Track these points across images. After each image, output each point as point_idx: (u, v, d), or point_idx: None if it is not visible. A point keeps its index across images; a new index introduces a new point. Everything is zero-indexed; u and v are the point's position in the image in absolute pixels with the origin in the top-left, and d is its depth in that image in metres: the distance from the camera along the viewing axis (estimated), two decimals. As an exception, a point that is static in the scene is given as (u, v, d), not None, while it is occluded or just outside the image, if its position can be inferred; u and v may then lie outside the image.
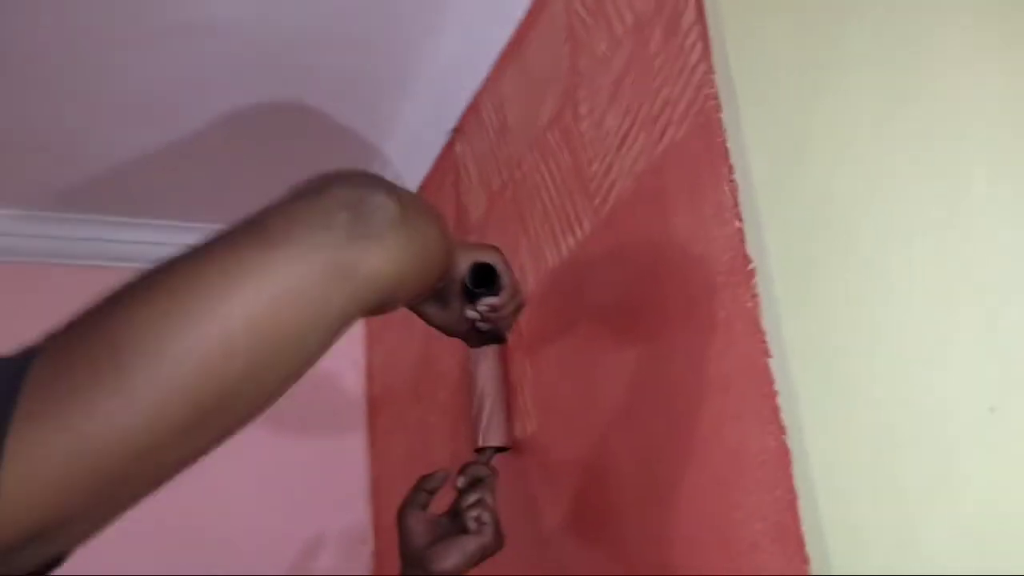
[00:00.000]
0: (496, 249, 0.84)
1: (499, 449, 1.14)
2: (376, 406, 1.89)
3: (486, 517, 0.91)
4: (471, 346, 1.04)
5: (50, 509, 0.40)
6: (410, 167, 1.61)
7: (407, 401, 1.67)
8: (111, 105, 1.39)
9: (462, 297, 0.82)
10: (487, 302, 0.81)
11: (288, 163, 1.59)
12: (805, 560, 0.65)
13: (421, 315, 0.82)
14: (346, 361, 1.90)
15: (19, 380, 0.40)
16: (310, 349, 0.48)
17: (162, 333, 0.42)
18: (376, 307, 0.53)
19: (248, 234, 0.47)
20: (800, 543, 0.65)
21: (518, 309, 0.87)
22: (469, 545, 0.89)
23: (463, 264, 0.79)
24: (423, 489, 0.97)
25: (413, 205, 0.54)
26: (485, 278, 0.81)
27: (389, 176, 1.58)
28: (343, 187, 0.51)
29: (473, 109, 1.39)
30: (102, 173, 1.59)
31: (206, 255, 0.46)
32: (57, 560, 0.43)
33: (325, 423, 1.84)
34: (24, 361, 0.42)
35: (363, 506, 1.84)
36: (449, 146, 1.49)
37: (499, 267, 0.82)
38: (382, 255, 0.50)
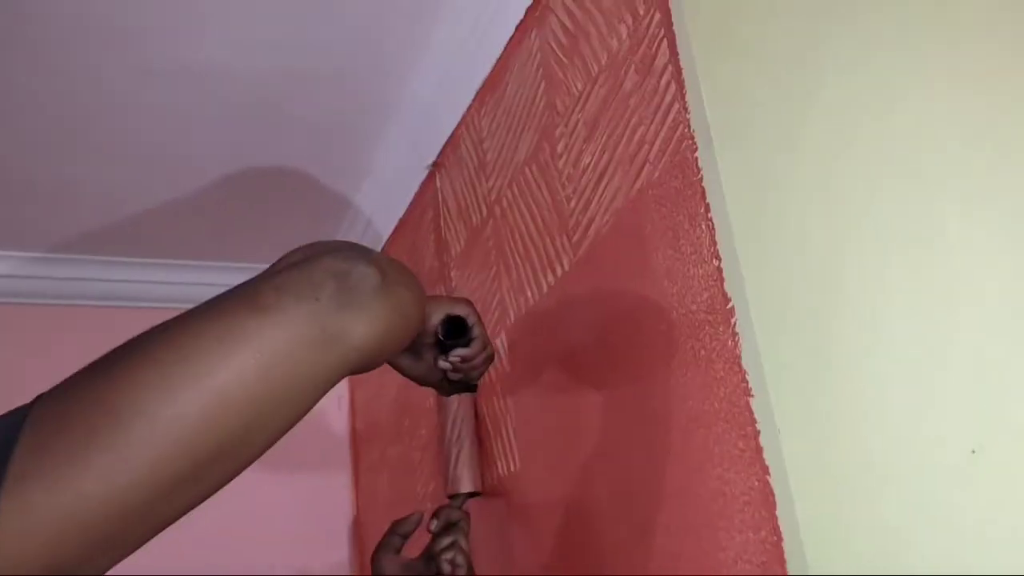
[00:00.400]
0: (467, 302, 0.87)
1: (471, 494, 1.15)
2: (360, 443, 1.87)
3: (460, 560, 0.94)
4: (443, 395, 1.09)
5: (43, 564, 0.41)
6: (390, 202, 1.61)
7: (390, 438, 1.66)
8: (104, 150, 1.41)
9: (434, 348, 0.86)
10: (458, 353, 0.86)
11: (273, 199, 1.62)
12: (791, 602, 0.64)
13: (395, 366, 0.86)
14: (331, 399, 1.88)
15: (13, 440, 0.42)
16: (298, 408, 0.51)
17: (160, 394, 0.45)
18: (360, 368, 0.56)
19: (241, 303, 0.50)
20: (786, 585, 0.65)
21: (488, 359, 0.92)
22: None
23: (435, 317, 0.83)
24: (397, 533, 1.00)
25: (392, 272, 0.58)
26: (457, 330, 0.84)
27: (368, 211, 1.58)
28: (329, 259, 0.55)
29: (452, 144, 1.39)
30: (97, 215, 1.60)
31: (202, 321, 0.49)
32: None
33: (310, 460, 1.82)
34: (17, 420, 0.43)
35: (347, 543, 1.82)
36: (429, 181, 1.49)
37: (470, 319, 0.85)
38: (366, 322, 0.54)
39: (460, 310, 0.85)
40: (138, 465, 0.43)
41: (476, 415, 1.21)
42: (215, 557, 1.67)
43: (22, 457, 0.41)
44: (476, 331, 0.86)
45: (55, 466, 0.41)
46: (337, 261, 0.55)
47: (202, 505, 0.49)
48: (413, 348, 0.83)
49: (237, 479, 0.50)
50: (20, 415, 0.44)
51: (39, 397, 0.45)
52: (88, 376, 0.46)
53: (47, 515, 0.41)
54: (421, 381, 0.91)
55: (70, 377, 0.46)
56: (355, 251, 0.57)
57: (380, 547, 0.99)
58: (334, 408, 1.89)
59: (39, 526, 0.40)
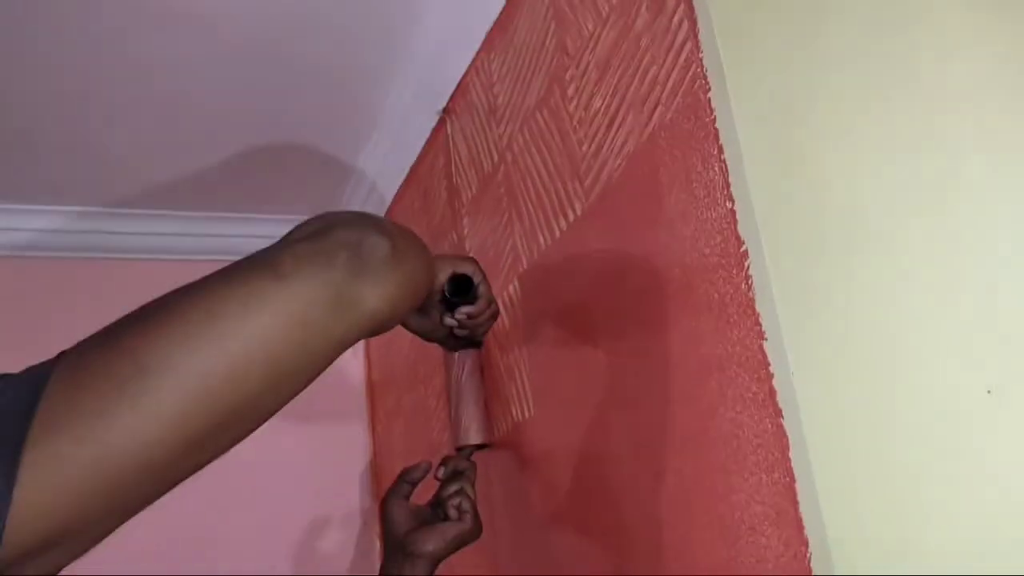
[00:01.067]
0: (473, 260, 0.89)
1: (479, 446, 1.16)
2: (376, 391, 1.89)
3: (466, 506, 0.97)
4: (449, 350, 1.12)
5: (65, 516, 0.42)
6: (401, 149, 1.60)
7: (405, 386, 1.67)
8: (113, 104, 1.40)
9: (440, 306, 0.89)
10: (464, 311, 0.89)
11: (283, 149, 1.61)
12: (804, 542, 0.65)
13: (402, 323, 0.87)
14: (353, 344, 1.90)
15: (38, 392, 0.43)
16: (315, 368, 0.55)
17: (188, 353, 0.47)
18: (373, 332, 0.59)
19: (263, 269, 0.53)
20: (799, 526, 0.65)
21: (493, 316, 0.95)
22: (449, 531, 0.94)
23: (441, 275, 0.86)
24: (406, 480, 1.03)
25: (402, 241, 0.61)
26: (462, 288, 0.87)
27: (379, 158, 1.57)
28: (342, 230, 0.58)
29: (462, 89, 1.37)
30: (106, 169, 1.60)
31: (225, 285, 0.51)
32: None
33: (326, 409, 1.84)
34: (42, 374, 0.44)
35: (365, 489, 1.85)
36: (439, 127, 1.48)
37: (475, 277, 0.87)
38: (378, 289, 0.57)
39: (466, 268, 0.88)
40: (165, 420, 0.45)
41: (483, 368, 1.22)
42: (233, 505, 1.70)
43: (49, 409, 0.42)
44: (481, 289, 0.90)
45: (83, 419, 0.42)
46: (350, 232, 0.58)
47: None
48: (420, 306, 0.86)
49: (258, 430, 0.52)
50: (46, 369, 0.45)
51: (64, 352, 0.46)
52: (115, 333, 0.47)
53: (74, 466, 0.42)
54: (427, 337, 0.96)
55: (96, 333, 0.48)
56: (367, 221, 0.60)
57: (389, 493, 1.01)
58: (350, 357, 1.91)
59: (65, 477, 0.41)
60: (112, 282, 1.66)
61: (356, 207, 1.82)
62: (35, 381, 0.43)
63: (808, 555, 0.64)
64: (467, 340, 1.01)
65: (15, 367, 0.45)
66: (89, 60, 1.28)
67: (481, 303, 0.90)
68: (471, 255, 0.91)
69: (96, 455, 0.42)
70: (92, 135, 1.48)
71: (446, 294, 0.88)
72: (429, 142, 1.53)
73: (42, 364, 0.45)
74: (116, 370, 0.44)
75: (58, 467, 0.41)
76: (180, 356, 0.46)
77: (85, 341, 0.47)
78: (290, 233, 0.59)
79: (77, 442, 0.42)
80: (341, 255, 0.56)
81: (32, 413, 0.42)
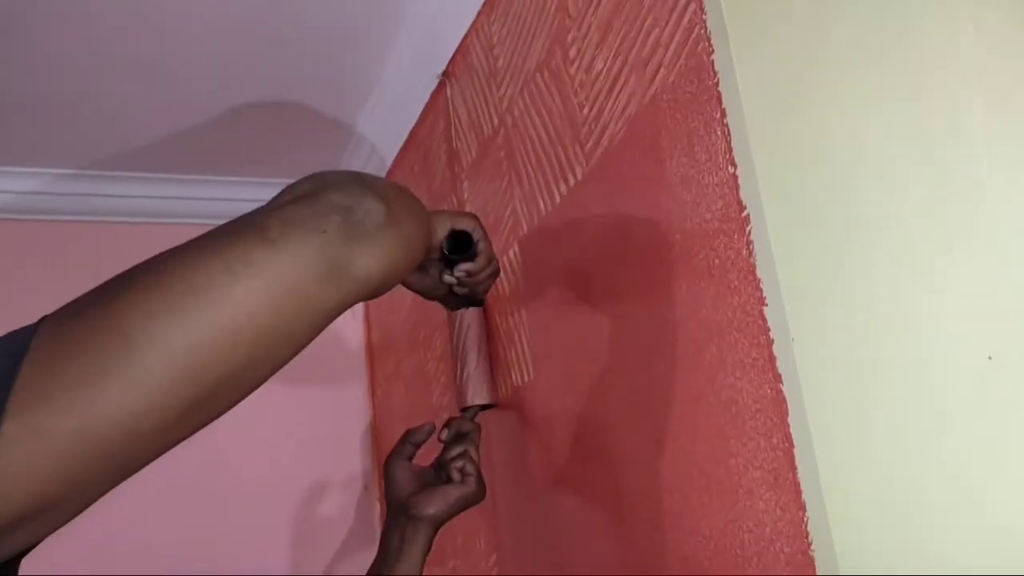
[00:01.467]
0: (473, 216, 0.86)
1: (484, 407, 1.15)
2: (376, 354, 1.89)
3: (469, 468, 0.96)
4: (450, 309, 1.10)
5: (48, 487, 0.40)
6: (401, 113, 1.58)
7: (405, 349, 1.67)
8: (109, 66, 1.39)
9: (439, 263, 0.85)
10: (464, 268, 0.86)
11: (282, 113, 1.60)
12: (801, 507, 0.65)
13: (401, 282, 0.85)
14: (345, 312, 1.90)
15: (18, 360, 0.41)
16: (305, 337, 0.52)
17: (172, 322, 0.44)
18: (366, 298, 0.57)
19: (248, 234, 0.50)
20: (796, 490, 0.65)
21: (494, 274, 0.92)
22: (452, 494, 0.93)
23: (440, 232, 0.82)
24: (409, 442, 1.01)
25: (398, 202, 0.58)
26: (462, 245, 0.84)
27: (379, 122, 1.54)
28: (335, 191, 0.55)
29: (462, 52, 1.35)
30: (102, 132, 1.59)
31: (210, 250, 0.49)
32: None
33: (326, 372, 1.84)
34: (23, 340, 0.42)
35: (365, 453, 1.86)
36: (439, 91, 1.46)
37: (475, 234, 0.84)
38: (373, 253, 0.55)
39: (465, 224, 0.85)
40: (152, 391, 0.43)
41: (487, 328, 1.22)
42: (233, 466, 1.71)
43: (29, 379, 0.40)
44: (481, 246, 0.87)
45: (65, 389, 0.41)
46: (343, 195, 0.55)
47: (222, 418, 0.50)
48: (418, 264, 0.82)
49: (257, 392, 0.51)
50: (25, 336, 0.43)
51: (45, 318, 0.44)
52: (96, 301, 0.45)
53: (56, 438, 0.40)
54: (427, 295, 0.92)
55: (77, 299, 0.46)
56: (360, 183, 0.57)
57: (392, 454, 1.00)
58: (349, 319, 1.90)
59: (47, 448, 0.40)
60: (103, 245, 1.66)
61: (355, 170, 1.81)
62: (14, 348, 0.42)
63: (805, 519, 0.65)
64: (468, 299, 0.98)
65: (4, 327, 0.44)
66: (90, 22, 1.26)
67: (481, 260, 0.87)
68: (471, 212, 0.88)
69: (79, 426, 0.41)
70: (81, 97, 1.46)
71: (444, 251, 0.84)
72: (429, 105, 1.51)
73: (22, 330, 0.43)
74: (99, 339, 0.43)
75: (40, 438, 0.40)
76: (163, 327, 0.44)
77: (67, 307, 0.45)
78: (281, 194, 0.57)
79: (59, 413, 0.40)
80: (333, 219, 0.53)
81: (11, 382, 0.40)
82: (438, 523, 0.93)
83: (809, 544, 0.64)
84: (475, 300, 1.04)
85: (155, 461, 0.47)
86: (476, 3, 1.26)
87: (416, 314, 1.59)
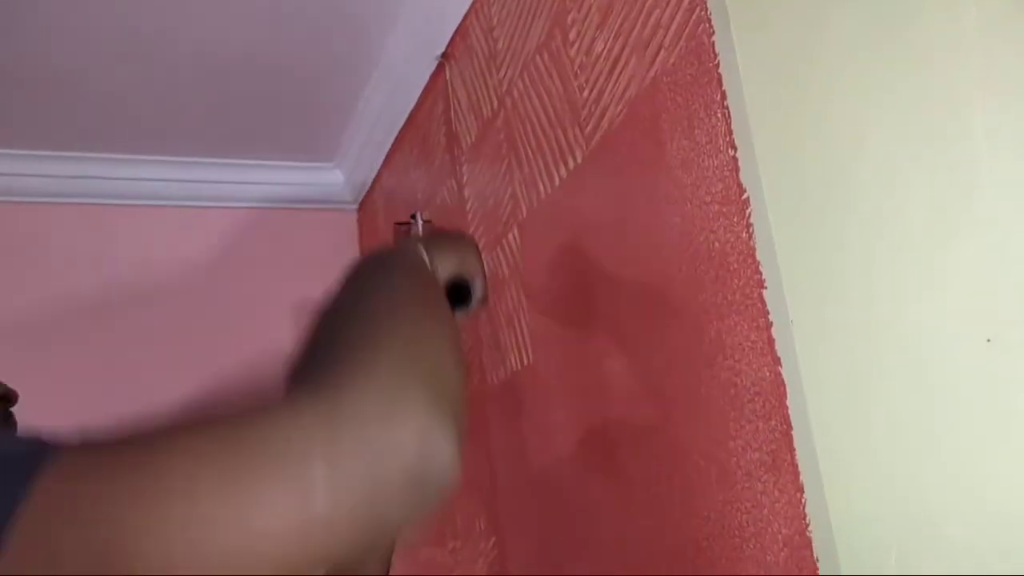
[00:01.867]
0: (475, 249, 0.83)
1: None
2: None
3: None
4: None
5: None
6: (400, 95, 1.58)
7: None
8: (106, 44, 1.38)
9: None
10: (461, 315, 0.83)
11: (281, 94, 1.59)
12: (799, 488, 0.65)
13: None
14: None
15: (20, 490, 0.37)
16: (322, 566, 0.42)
17: (189, 558, 0.38)
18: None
19: (285, 481, 0.40)
20: (795, 472, 0.66)
21: (484, 299, 0.87)
22: None
23: (440, 271, 0.76)
24: None
25: (463, 436, 0.45)
26: (462, 292, 0.81)
27: (378, 104, 1.50)
28: (401, 420, 0.42)
29: (461, 33, 1.35)
30: (96, 111, 1.58)
31: (233, 482, 0.39)
32: None
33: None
34: (30, 469, 0.37)
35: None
36: (439, 72, 1.46)
37: (474, 282, 0.81)
38: (423, 512, 0.43)
39: (467, 267, 0.81)
40: None
41: (487, 312, 1.21)
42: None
43: (31, 524, 0.36)
44: (478, 290, 0.83)
45: (56, 556, 0.36)
46: (408, 431, 0.41)
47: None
48: None
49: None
50: (32, 464, 0.38)
51: (60, 452, 0.39)
52: (119, 478, 0.39)
53: None
54: None
55: (103, 452, 0.40)
56: (434, 403, 0.43)
57: None
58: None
59: None
60: (106, 228, 1.65)
61: (354, 153, 1.80)
62: (18, 474, 0.37)
63: (803, 501, 0.65)
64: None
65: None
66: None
67: (474, 306, 0.84)
68: (474, 241, 0.86)
69: None
70: (76, 76, 1.45)
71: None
72: (428, 87, 1.51)
73: (30, 450, 0.38)
74: (103, 533, 0.37)
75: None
76: (177, 555, 0.37)
77: (87, 457, 0.39)
78: (324, 372, 0.44)
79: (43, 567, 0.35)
80: (396, 482, 0.40)
81: (10, 515, 0.36)
82: None
83: (807, 525, 0.65)
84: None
85: None
86: (476, -16, 1.26)
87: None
